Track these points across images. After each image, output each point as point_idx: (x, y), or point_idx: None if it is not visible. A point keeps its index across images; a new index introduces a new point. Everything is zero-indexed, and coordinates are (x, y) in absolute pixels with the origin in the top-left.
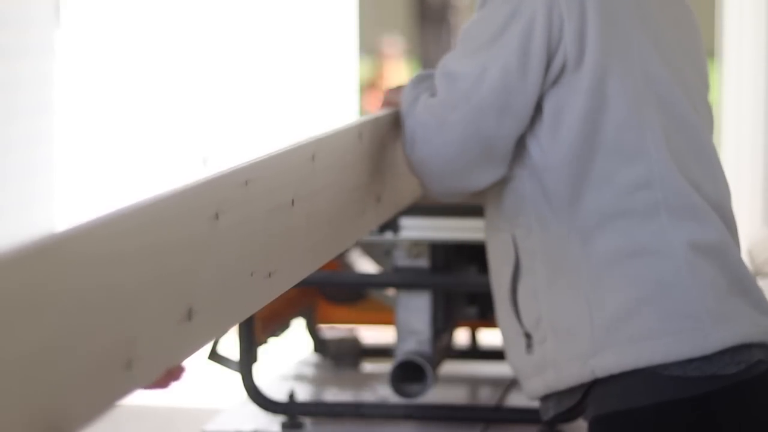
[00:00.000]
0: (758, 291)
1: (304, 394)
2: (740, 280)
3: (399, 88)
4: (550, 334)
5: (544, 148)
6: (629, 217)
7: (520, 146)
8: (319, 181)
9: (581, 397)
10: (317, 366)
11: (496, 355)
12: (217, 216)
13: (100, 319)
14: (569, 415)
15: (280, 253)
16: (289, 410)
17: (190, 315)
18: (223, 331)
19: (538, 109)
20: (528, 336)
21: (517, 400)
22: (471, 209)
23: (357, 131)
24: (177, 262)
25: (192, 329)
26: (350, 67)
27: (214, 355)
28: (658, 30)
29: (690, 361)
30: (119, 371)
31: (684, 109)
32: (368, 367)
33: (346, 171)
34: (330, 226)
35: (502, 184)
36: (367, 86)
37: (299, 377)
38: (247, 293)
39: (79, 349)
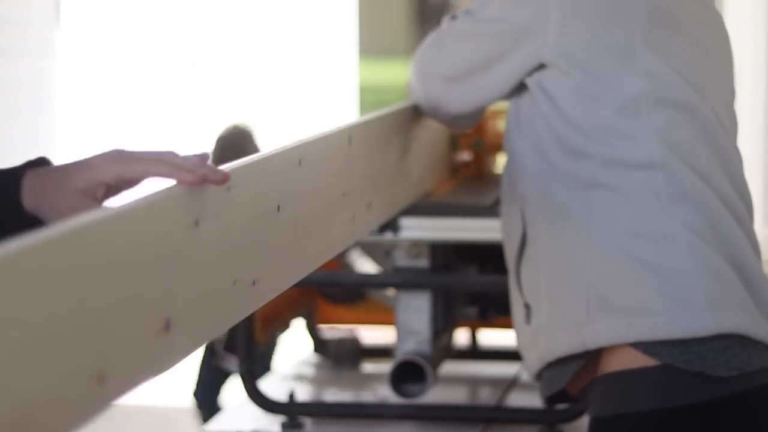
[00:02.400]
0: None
1: (304, 394)
2: (748, 275)
3: None
4: (546, 303)
5: (549, 121)
6: (630, 195)
7: (523, 119)
8: (306, 186)
9: (572, 377)
10: (317, 366)
11: (496, 355)
12: (197, 223)
13: (70, 332)
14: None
15: (264, 261)
16: (289, 410)
17: (167, 326)
18: (204, 343)
19: (539, 86)
20: (527, 307)
21: (517, 400)
22: (471, 209)
23: (347, 135)
24: (154, 271)
25: (169, 341)
26: (350, 68)
27: (214, 355)
28: (673, 32)
29: (681, 346)
30: (90, 386)
31: (695, 105)
32: (368, 367)
33: (335, 176)
34: (317, 233)
35: (509, 157)
36: None
37: (299, 377)
38: (229, 303)
39: (46, 364)
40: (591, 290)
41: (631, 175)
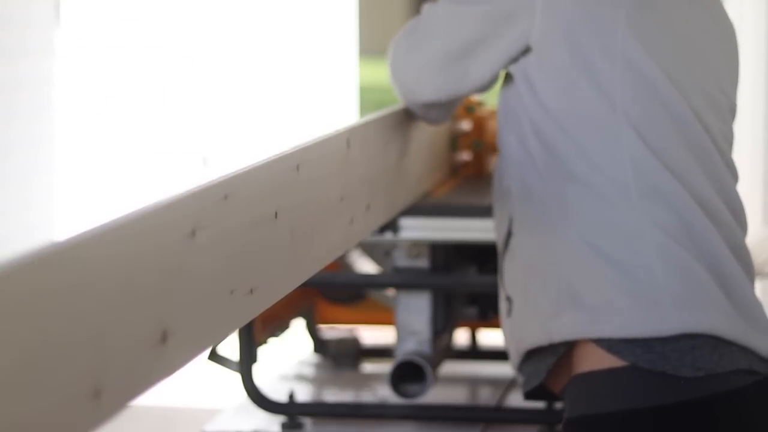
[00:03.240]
0: (748, 298)
1: (304, 394)
2: (724, 277)
3: None
4: (521, 294)
5: (530, 113)
6: (600, 190)
7: (509, 112)
8: (304, 192)
9: (549, 376)
10: (317, 366)
11: (496, 355)
12: (193, 233)
13: (66, 347)
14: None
15: (262, 269)
16: (289, 410)
17: (164, 338)
18: (201, 353)
19: (523, 75)
20: (509, 300)
21: (517, 400)
22: (471, 209)
23: (345, 138)
24: (150, 283)
25: (166, 353)
26: (350, 68)
27: (214, 355)
28: (660, 25)
29: (644, 345)
30: (86, 401)
31: (672, 101)
32: (368, 367)
33: (333, 181)
34: (316, 238)
35: (499, 151)
36: None
37: (299, 377)
38: (226, 312)
39: (42, 380)
40: (563, 284)
41: (601, 169)
